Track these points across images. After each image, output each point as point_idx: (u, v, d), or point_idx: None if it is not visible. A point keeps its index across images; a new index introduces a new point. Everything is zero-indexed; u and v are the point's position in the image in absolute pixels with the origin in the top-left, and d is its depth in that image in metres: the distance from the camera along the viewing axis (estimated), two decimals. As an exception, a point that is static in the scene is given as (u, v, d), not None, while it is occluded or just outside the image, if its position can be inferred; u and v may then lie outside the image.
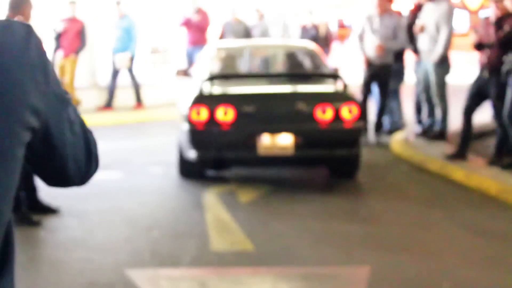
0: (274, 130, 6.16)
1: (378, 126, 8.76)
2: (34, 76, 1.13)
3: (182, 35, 12.32)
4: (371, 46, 8.46)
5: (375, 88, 8.79)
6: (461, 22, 24.76)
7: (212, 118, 6.15)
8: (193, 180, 6.56)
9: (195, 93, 6.33)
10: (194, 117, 6.16)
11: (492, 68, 6.54)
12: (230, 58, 7.54)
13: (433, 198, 5.98)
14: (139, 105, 11.58)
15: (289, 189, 6.30)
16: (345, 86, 6.31)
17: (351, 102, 6.21)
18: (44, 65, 1.15)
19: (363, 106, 7.84)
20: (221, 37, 12.73)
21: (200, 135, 6.20)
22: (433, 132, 8.18)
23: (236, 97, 6.34)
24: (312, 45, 7.76)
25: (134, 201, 5.86)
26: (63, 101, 1.19)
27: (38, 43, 1.15)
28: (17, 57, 1.11)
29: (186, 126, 6.24)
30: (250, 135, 6.17)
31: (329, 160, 6.49)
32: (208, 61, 7.18)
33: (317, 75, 6.93)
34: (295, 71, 7.30)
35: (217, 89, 6.47)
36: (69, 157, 1.22)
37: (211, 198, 5.88)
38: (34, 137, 1.16)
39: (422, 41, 8.04)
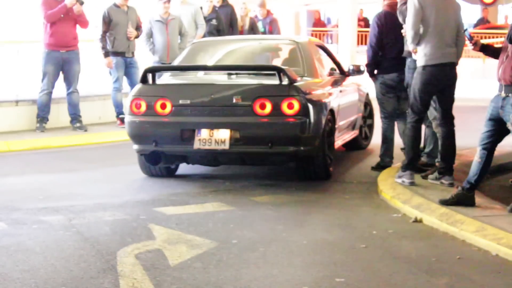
0: (211, 124, 8.09)
1: (412, 164, 8.04)
2: None
3: (43, 31, 11.95)
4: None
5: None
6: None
7: (150, 111, 8.27)
8: (105, 233, 6.53)
9: (137, 86, 8.55)
10: (134, 109, 8.35)
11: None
12: (207, 53, 9.56)
13: (433, 260, 5.91)
14: None
15: (239, 247, 6.17)
16: (292, 81, 8.04)
17: (291, 97, 7.94)
18: None
19: (389, 138, 9.23)
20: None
21: (139, 128, 8.34)
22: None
23: (172, 89, 8.45)
24: (301, 39, 9.59)
25: (16, 266, 5.69)
26: None
27: None
28: None
29: (128, 119, 8.41)
30: (186, 128, 8.18)
31: (273, 158, 8.20)
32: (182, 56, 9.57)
33: (261, 69, 8.73)
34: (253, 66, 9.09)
35: (159, 81, 8.69)
36: None
37: (128, 260, 5.78)
38: None
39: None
